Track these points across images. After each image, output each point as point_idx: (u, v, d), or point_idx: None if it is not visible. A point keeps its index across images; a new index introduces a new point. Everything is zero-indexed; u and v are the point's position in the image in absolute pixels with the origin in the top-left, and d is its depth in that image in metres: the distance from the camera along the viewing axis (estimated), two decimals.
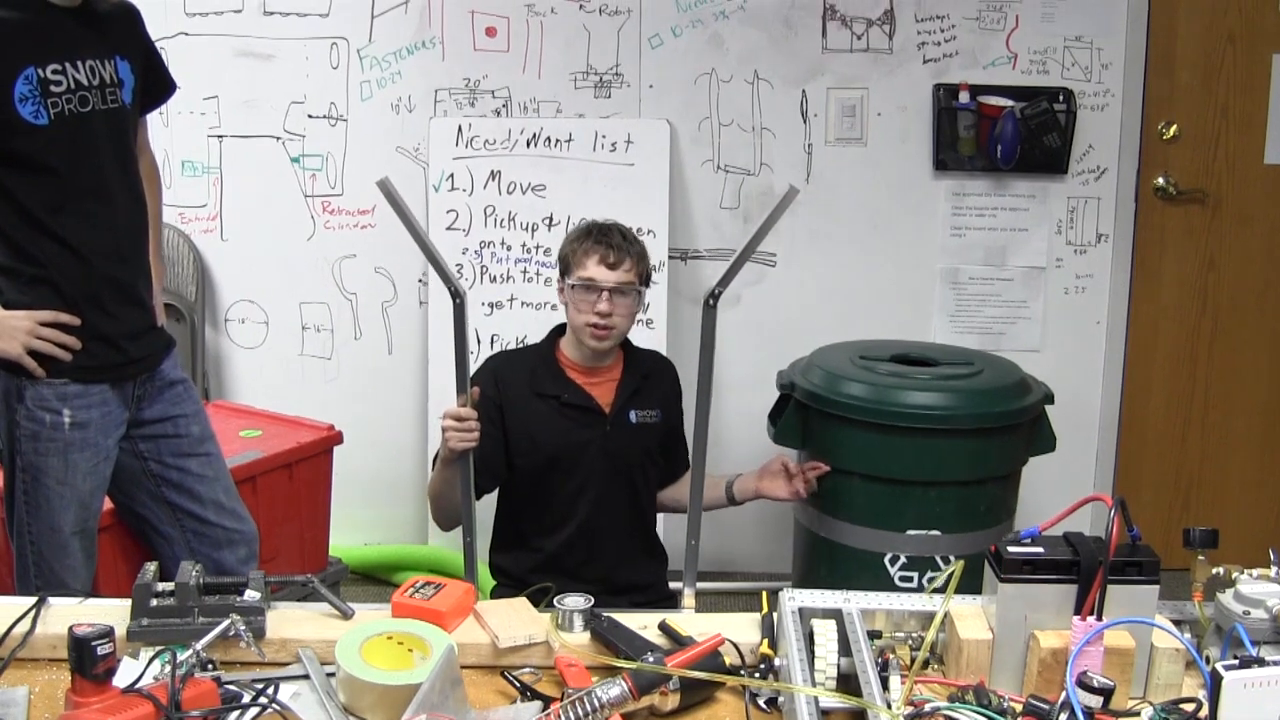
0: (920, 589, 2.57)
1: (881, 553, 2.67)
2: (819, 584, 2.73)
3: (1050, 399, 2.78)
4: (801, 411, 2.77)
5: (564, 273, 2.55)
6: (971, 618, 1.52)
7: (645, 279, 2.56)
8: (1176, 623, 1.56)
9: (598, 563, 2.57)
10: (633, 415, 2.59)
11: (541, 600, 1.77)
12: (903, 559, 2.66)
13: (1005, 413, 2.65)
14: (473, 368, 3.05)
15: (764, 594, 1.65)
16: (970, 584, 1.54)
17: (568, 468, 2.55)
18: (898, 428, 2.60)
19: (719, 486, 2.71)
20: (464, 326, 2.09)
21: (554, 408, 2.55)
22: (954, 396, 2.63)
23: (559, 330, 2.62)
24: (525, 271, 3.47)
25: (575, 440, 2.55)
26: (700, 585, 3.24)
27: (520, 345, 3.40)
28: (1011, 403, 2.67)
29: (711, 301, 2.01)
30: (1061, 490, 3.47)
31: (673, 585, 2.60)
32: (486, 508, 2.72)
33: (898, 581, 2.66)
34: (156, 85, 2.36)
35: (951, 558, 2.59)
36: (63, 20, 2.09)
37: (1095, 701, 1.32)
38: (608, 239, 2.50)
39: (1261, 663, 1.29)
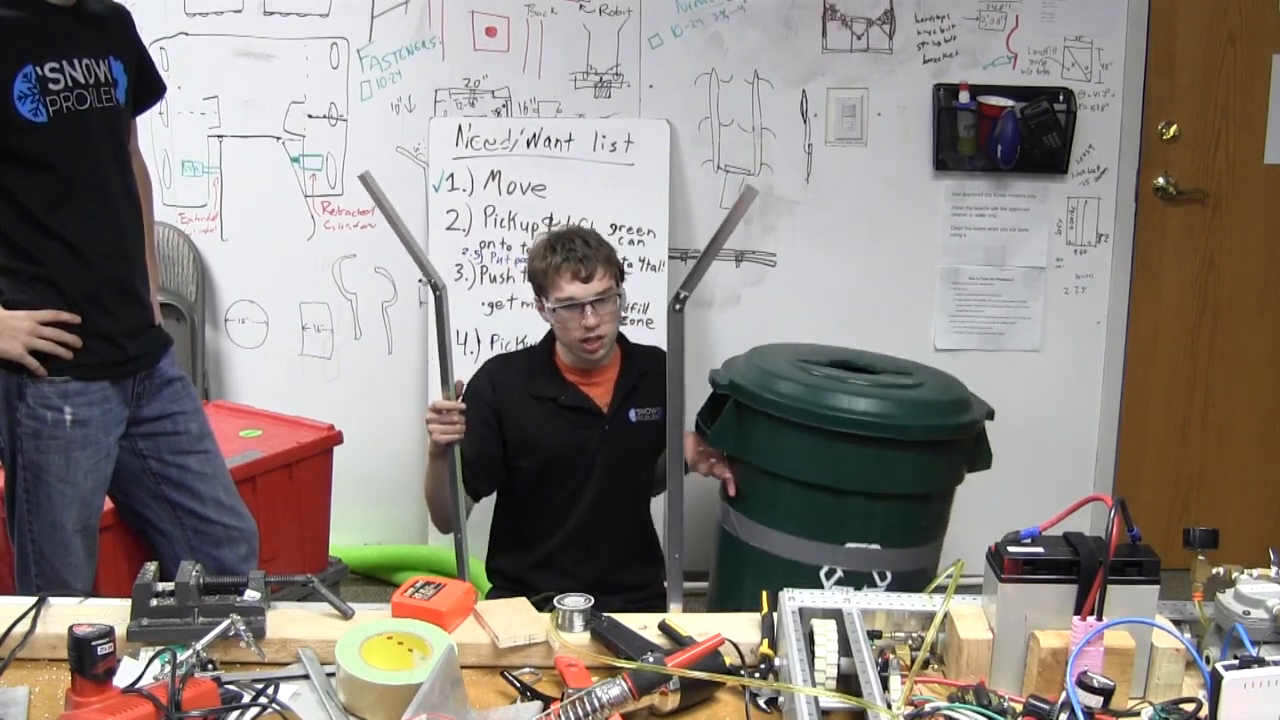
0: None
1: (818, 565, 2.51)
2: (742, 596, 2.52)
3: (990, 415, 2.63)
4: (738, 413, 2.55)
5: (539, 292, 2.52)
6: (971, 618, 1.52)
7: (620, 277, 2.55)
8: (1176, 623, 1.56)
9: (594, 563, 2.57)
10: (632, 414, 2.59)
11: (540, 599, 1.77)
12: (840, 573, 2.51)
13: (952, 426, 2.52)
14: (463, 364, 3.06)
15: (764, 594, 1.65)
16: None
17: (567, 469, 2.55)
18: (842, 434, 2.43)
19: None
20: (444, 319, 2.09)
21: (551, 410, 2.55)
22: (898, 406, 2.48)
23: (555, 333, 2.62)
24: (525, 271, 3.47)
25: (574, 441, 2.55)
26: (699, 585, 3.23)
27: (520, 346, 3.40)
28: (956, 416, 2.54)
29: (677, 306, 1.95)
30: (1061, 490, 3.48)
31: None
32: (485, 515, 2.73)
33: None
34: (147, 87, 2.37)
35: (889, 573, 2.50)
36: (59, 19, 2.10)
37: (1095, 701, 1.32)
38: (573, 251, 2.46)
39: (1261, 663, 1.29)
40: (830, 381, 2.53)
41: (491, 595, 2.65)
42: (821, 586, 2.49)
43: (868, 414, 2.44)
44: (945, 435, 2.50)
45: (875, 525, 2.50)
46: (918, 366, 2.78)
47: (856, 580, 2.50)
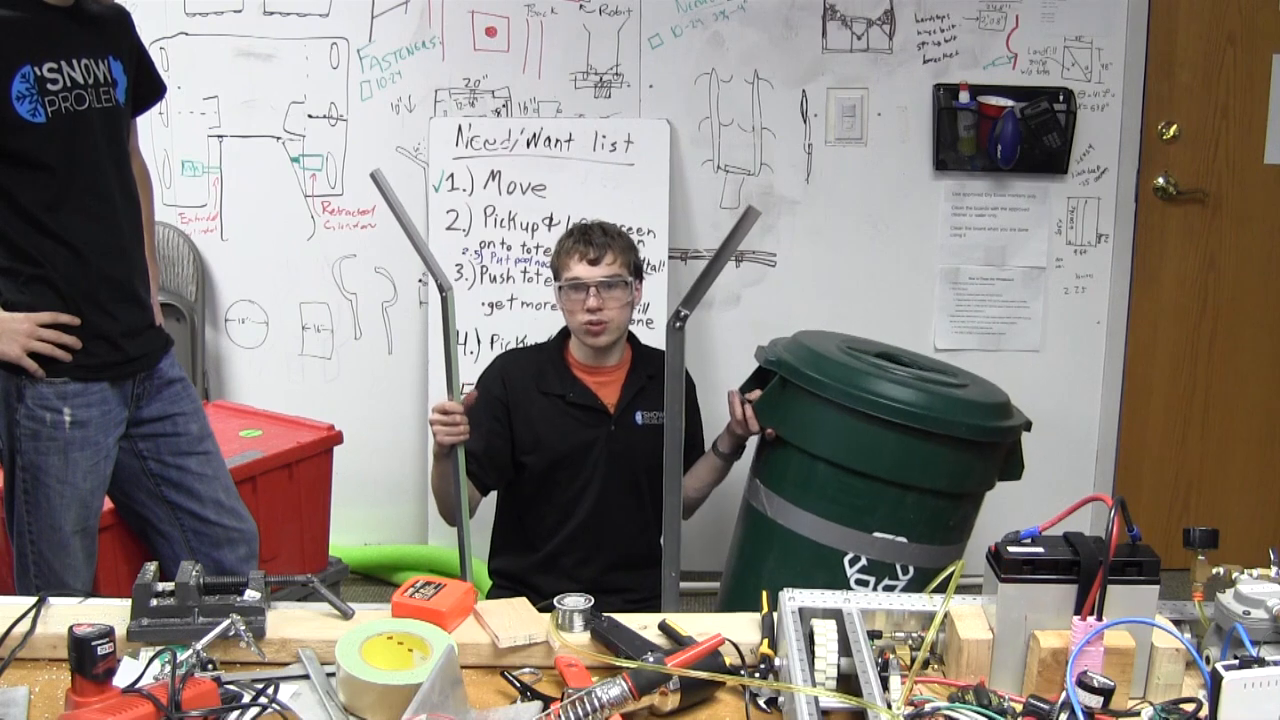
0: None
1: (843, 550, 2.51)
2: (762, 574, 2.56)
3: (1028, 427, 2.65)
4: (783, 389, 2.56)
5: (556, 277, 2.58)
6: (971, 618, 1.52)
7: (635, 270, 2.57)
8: (1176, 623, 1.56)
9: (594, 563, 2.57)
10: (639, 417, 2.58)
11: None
12: (864, 560, 2.51)
13: (994, 429, 2.54)
14: (463, 365, 3.06)
15: (764, 594, 1.65)
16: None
17: (572, 468, 2.56)
18: (885, 421, 2.45)
19: (711, 458, 2.67)
20: (450, 320, 2.09)
21: (559, 406, 2.55)
22: (944, 401, 2.51)
23: (569, 329, 2.62)
24: (525, 271, 3.47)
25: (579, 440, 2.55)
26: (698, 585, 3.24)
27: (522, 344, 3.40)
28: (999, 419, 2.57)
29: (678, 324, 1.93)
30: (1061, 490, 3.48)
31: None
32: (486, 516, 2.73)
33: (853, 584, 2.51)
34: (147, 87, 2.37)
35: (912, 568, 2.51)
36: (58, 19, 2.10)
37: (1095, 701, 1.32)
38: (587, 237, 2.54)
39: (1261, 663, 1.29)
40: (878, 369, 2.56)
41: (492, 595, 2.65)
42: (845, 573, 2.51)
43: (913, 404, 2.46)
44: (985, 436, 2.52)
45: (904, 517, 2.51)
46: (962, 370, 2.81)
47: (879, 571, 2.51)
